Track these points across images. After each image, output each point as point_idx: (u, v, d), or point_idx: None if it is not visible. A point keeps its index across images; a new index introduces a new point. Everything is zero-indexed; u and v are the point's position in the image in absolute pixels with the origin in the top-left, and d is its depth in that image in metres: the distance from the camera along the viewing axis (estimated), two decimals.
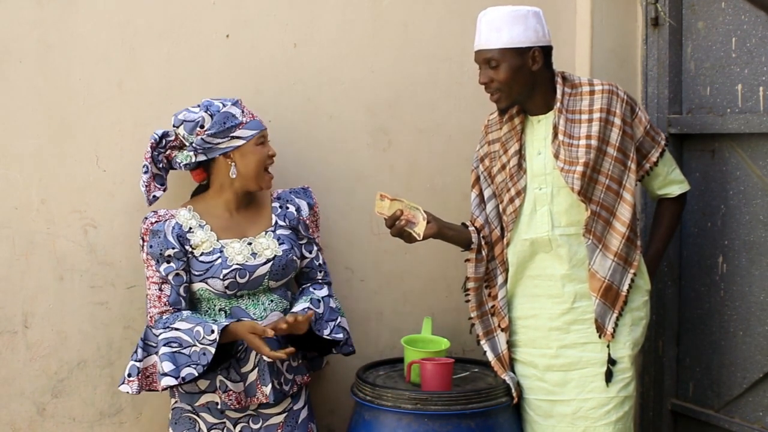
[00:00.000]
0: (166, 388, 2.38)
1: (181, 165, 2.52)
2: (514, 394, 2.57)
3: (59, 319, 2.64)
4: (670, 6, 2.98)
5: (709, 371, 2.93)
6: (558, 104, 2.48)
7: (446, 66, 3.01)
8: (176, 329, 2.37)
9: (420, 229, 2.48)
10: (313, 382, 2.78)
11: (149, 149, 2.50)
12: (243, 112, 2.48)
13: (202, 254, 2.45)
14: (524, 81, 2.45)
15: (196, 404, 2.48)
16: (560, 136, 2.47)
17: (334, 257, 2.86)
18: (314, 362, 2.73)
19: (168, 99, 2.68)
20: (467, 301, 2.68)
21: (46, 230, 2.61)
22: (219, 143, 2.45)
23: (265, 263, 2.48)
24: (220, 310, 2.48)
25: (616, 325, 2.50)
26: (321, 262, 2.66)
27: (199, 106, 2.48)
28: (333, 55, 2.88)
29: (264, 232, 2.54)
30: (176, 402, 2.52)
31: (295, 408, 2.58)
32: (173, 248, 2.42)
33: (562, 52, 2.94)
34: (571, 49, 3.10)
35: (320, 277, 2.66)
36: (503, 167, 2.58)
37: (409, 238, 2.52)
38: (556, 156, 2.47)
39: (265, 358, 2.41)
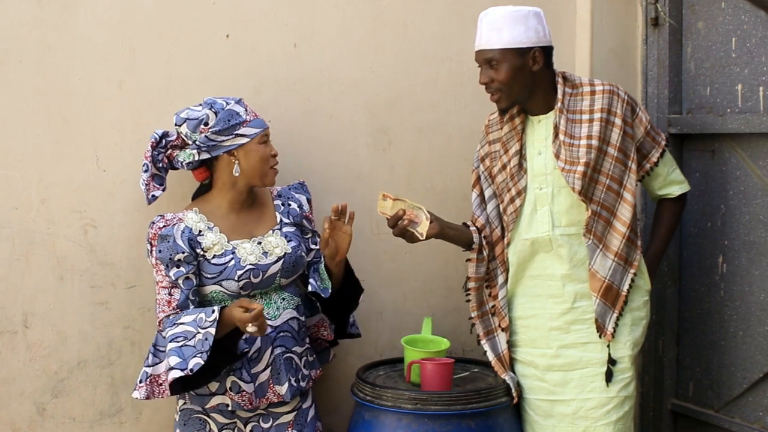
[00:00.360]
0: (174, 387, 2.32)
1: (183, 164, 2.51)
2: (514, 394, 2.57)
3: (59, 319, 2.64)
4: (670, 6, 2.98)
5: (709, 371, 2.93)
6: (559, 104, 2.49)
7: (446, 66, 3.01)
8: (181, 323, 2.35)
9: (423, 228, 2.48)
10: (314, 382, 2.78)
11: (149, 148, 2.50)
12: (246, 110, 2.49)
13: (214, 257, 2.45)
14: (525, 81, 2.45)
15: (207, 406, 2.47)
16: (561, 136, 2.47)
17: None
18: (322, 356, 2.75)
19: (168, 99, 2.68)
20: (468, 301, 2.68)
21: (46, 230, 2.61)
22: (223, 141, 2.45)
23: (277, 261, 2.49)
24: None
25: (617, 325, 2.50)
26: None
27: (201, 104, 2.48)
28: (333, 55, 2.88)
29: (271, 231, 2.55)
30: (185, 403, 2.51)
31: (304, 406, 2.60)
32: (183, 252, 2.41)
33: (562, 52, 2.94)
34: (571, 49, 3.10)
35: None
36: (504, 167, 2.58)
37: (412, 238, 2.52)
38: (557, 156, 2.47)
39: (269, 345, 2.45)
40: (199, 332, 2.32)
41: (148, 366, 2.41)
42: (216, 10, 2.74)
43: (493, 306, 2.66)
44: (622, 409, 2.50)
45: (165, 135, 2.52)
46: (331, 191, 2.87)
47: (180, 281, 2.41)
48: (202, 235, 2.46)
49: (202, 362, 2.28)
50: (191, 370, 2.28)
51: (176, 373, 2.28)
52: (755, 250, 2.73)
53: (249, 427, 2.52)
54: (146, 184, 2.50)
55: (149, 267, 2.54)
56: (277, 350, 2.48)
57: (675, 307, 3.04)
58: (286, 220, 2.58)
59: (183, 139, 2.51)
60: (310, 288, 2.49)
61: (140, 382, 2.40)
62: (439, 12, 2.99)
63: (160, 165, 2.53)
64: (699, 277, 2.95)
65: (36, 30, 2.57)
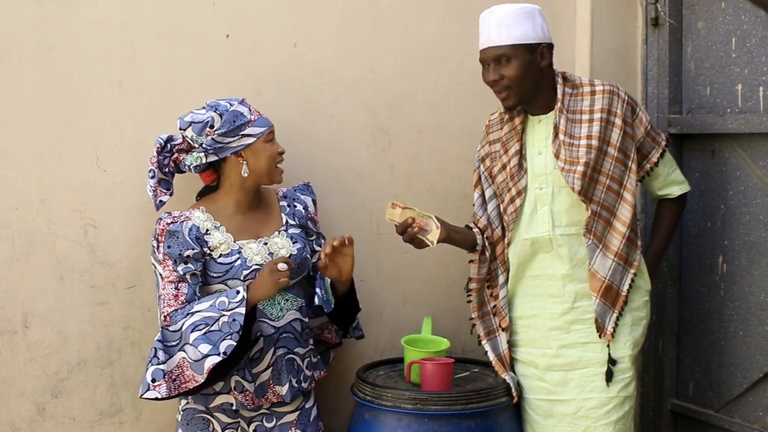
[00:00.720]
0: (211, 375, 2.30)
1: (191, 167, 2.51)
2: (514, 394, 2.57)
3: (59, 319, 2.64)
4: (670, 6, 2.98)
5: (709, 371, 2.93)
6: (559, 104, 2.49)
7: (446, 66, 3.01)
8: (197, 312, 2.34)
9: (433, 236, 2.50)
10: (317, 383, 2.78)
11: (155, 153, 2.49)
12: (250, 110, 2.49)
13: (220, 256, 2.45)
14: (533, 77, 2.46)
15: (211, 405, 2.47)
16: (561, 136, 2.47)
17: None
18: (323, 357, 2.75)
19: (168, 99, 2.68)
20: (469, 301, 2.68)
21: (46, 230, 2.61)
22: (230, 142, 2.45)
23: None
24: None
25: (617, 325, 2.50)
26: None
27: (204, 107, 2.47)
28: (333, 55, 2.88)
29: (277, 232, 2.55)
30: (188, 403, 2.50)
31: (307, 406, 2.60)
32: (193, 249, 2.41)
33: (562, 52, 2.94)
34: (571, 49, 3.10)
35: None
36: (504, 167, 2.58)
37: (421, 245, 2.53)
38: (557, 156, 2.47)
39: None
40: (223, 315, 2.32)
41: (161, 363, 2.33)
42: (216, 10, 2.74)
43: (494, 306, 2.66)
44: (622, 409, 2.50)
45: (170, 139, 2.52)
46: (331, 191, 2.87)
47: (188, 276, 2.41)
48: (209, 233, 2.46)
49: (234, 343, 2.28)
50: (225, 353, 2.28)
51: (214, 359, 2.27)
52: (755, 250, 2.73)
53: (252, 426, 2.52)
54: (153, 190, 2.49)
55: (149, 267, 2.54)
56: (280, 351, 2.48)
57: (675, 307, 3.04)
58: (291, 222, 2.59)
59: (189, 143, 2.51)
60: (316, 300, 2.50)
61: (153, 381, 2.31)
62: (439, 12, 2.99)
63: (167, 170, 2.53)
64: (699, 277, 2.95)
65: (36, 30, 2.57)
